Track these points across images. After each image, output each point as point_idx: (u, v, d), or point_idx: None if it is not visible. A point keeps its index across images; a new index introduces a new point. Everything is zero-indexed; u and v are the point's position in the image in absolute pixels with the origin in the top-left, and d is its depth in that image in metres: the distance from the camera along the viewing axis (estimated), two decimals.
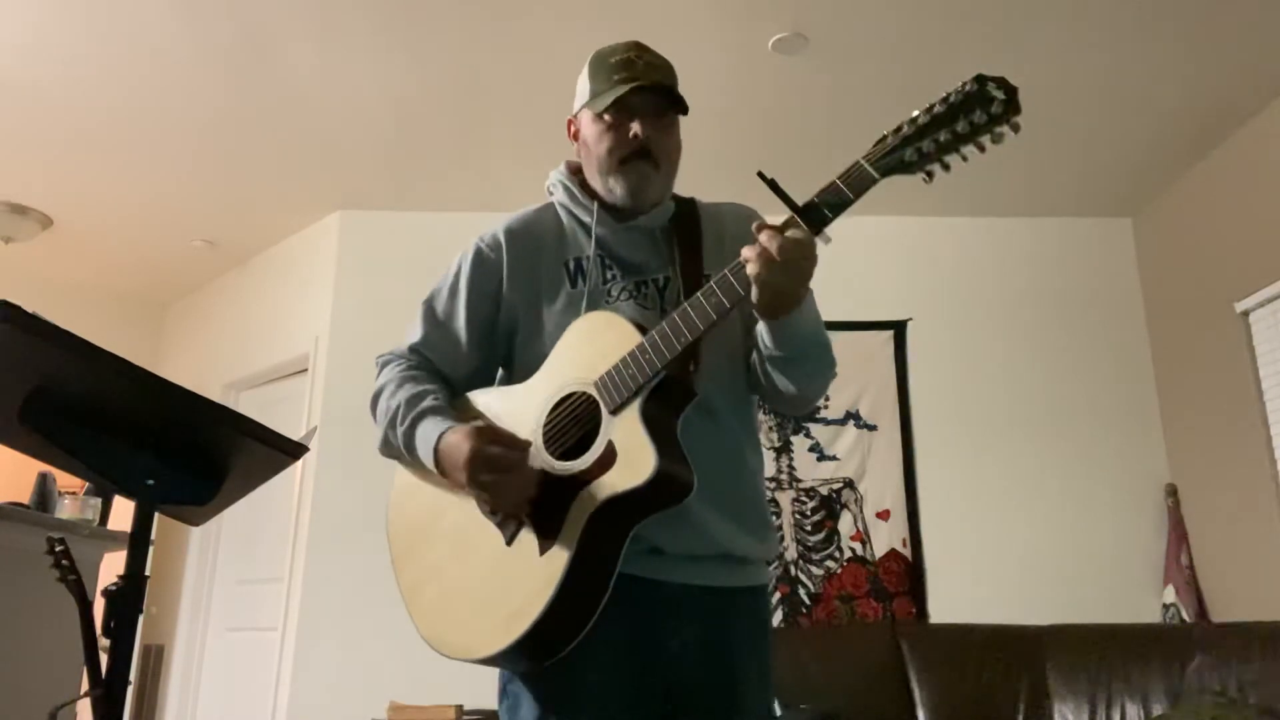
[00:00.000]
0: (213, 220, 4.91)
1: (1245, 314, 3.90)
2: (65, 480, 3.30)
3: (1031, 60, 3.53)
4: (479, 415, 1.46)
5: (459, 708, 3.59)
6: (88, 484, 3.28)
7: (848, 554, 4.27)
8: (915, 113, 1.24)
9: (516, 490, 1.33)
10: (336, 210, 4.78)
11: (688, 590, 1.38)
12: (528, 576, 1.30)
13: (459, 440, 1.35)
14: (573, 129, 1.59)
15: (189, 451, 1.41)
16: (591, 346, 1.38)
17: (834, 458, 4.36)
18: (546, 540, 1.31)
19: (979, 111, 1.18)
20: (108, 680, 1.31)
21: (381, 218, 4.74)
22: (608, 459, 1.30)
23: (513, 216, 1.60)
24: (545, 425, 1.38)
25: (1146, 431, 4.40)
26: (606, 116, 1.48)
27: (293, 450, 1.48)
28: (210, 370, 5.27)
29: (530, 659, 1.33)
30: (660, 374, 1.31)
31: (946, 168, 1.23)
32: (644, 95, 1.47)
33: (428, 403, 1.45)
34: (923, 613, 4.18)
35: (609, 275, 1.50)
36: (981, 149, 1.20)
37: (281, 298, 5.05)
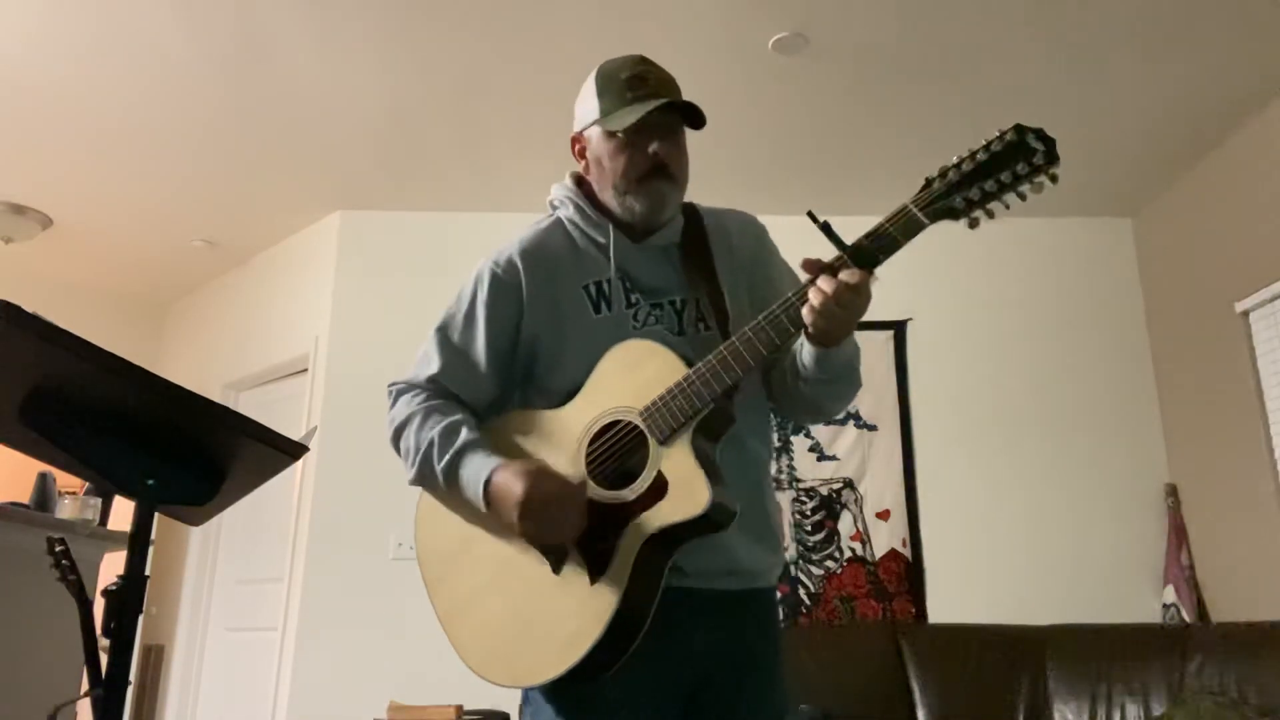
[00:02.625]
0: (213, 220, 4.91)
1: (1245, 314, 3.89)
2: (65, 480, 3.30)
3: (1031, 60, 3.53)
4: (515, 445, 1.46)
5: (459, 708, 3.59)
6: (88, 484, 3.28)
7: (848, 554, 4.27)
8: (956, 158, 1.27)
9: (570, 529, 1.34)
10: (336, 210, 4.78)
11: (701, 595, 1.41)
12: (580, 605, 1.32)
13: (510, 480, 1.34)
14: (578, 146, 1.57)
15: (189, 451, 1.41)
16: (634, 376, 1.39)
17: (834, 458, 4.36)
18: (597, 569, 1.33)
19: (1021, 163, 1.23)
20: (108, 680, 1.31)
21: (381, 218, 4.74)
22: (659, 489, 1.32)
23: (522, 237, 1.57)
24: (588, 453, 1.39)
25: (1146, 431, 4.40)
26: (620, 135, 1.47)
27: (293, 450, 1.47)
28: (210, 370, 5.27)
29: (575, 681, 1.35)
30: (710, 406, 1.33)
31: (991, 215, 1.28)
32: (660, 113, 1.46)
33: (465, 436, 1.43)
34: (923, 613, 4.18)
35: (632, 299, 1.49)
36: (1023, 198, 1.25)
37: (281, 298, 5.05)
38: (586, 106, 1.54)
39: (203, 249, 5.19)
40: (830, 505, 4.32)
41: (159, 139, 4.14)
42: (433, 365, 1.52)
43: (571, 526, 1.33)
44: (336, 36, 3.48)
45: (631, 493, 1.34)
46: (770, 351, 1.33)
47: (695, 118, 1.48)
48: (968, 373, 4.45)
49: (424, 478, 1.47)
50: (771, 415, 1.62)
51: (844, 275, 1.27)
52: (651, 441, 1.35)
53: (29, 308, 1.22)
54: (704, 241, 1.55)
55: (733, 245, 1.57)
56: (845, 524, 4.30)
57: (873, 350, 4.45)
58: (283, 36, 3.47)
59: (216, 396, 4.92)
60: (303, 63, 3.63)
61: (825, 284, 1.27)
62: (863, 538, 4.29)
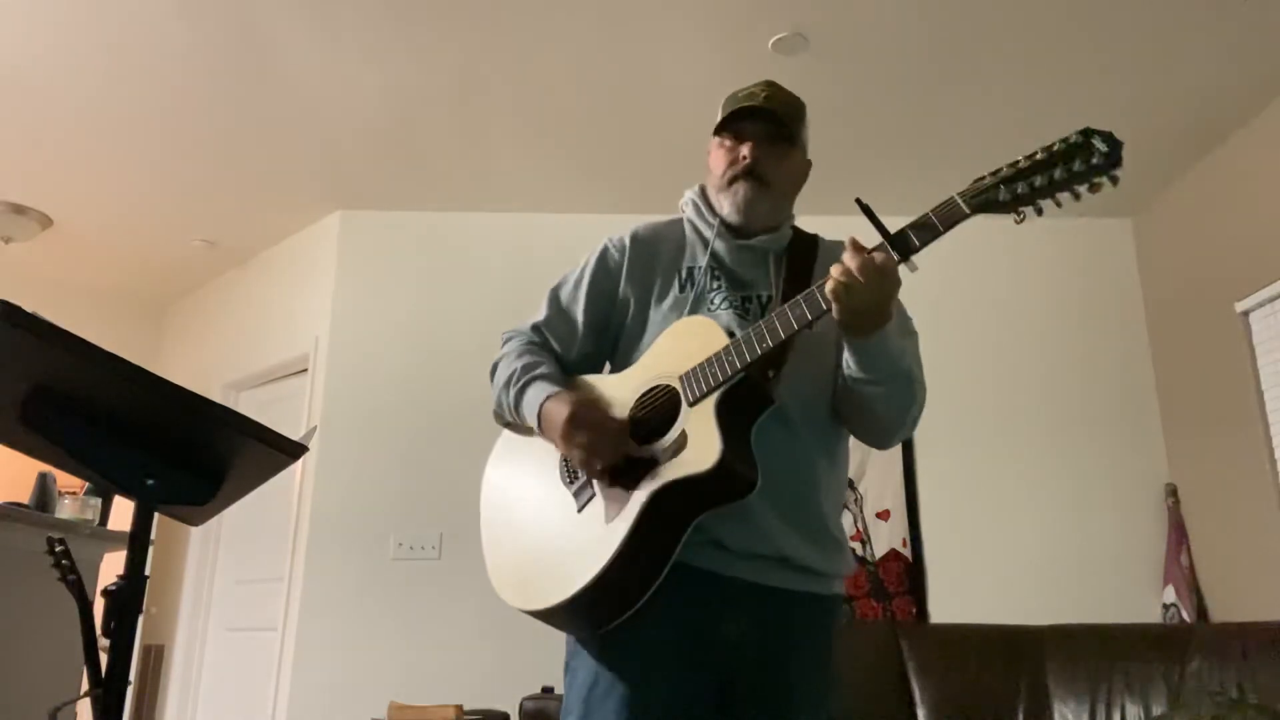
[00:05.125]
0: (213, 220, 4.91)
1: (1245, 314, 3.89)
2: (65, 480, 3.30)
3: (1031, 61, 3.53)
4: (579, 393, 1.57)
5: (459, 708, 3.59)
6: (88, 484, 3.28)
7: None
8: (1019, 158, 1.26)
9: (608, 451, 1.43)
10: (336, 210, 4.78)
11: (751, 588, 1.44)
12: (590, 542, 1.41)
13: (560, 405, 1.48)
14: (708, 158, 1.71)
15: (189, 451, 1.41)
16: (683, 345, 1.48)
17: None
18: (612, 512, 1.41)
19: (1079, 161, 1.22)
20: (108, 680, 1.31)
21: (381, 217, 4.74)
22: (679, 445, 1.40)
23: (644, 224, 1.74)
24: (632, 411, 1.50)
25: (1146, 431, 4.40)
26: (724, 140, 1.64)
27: (293, 450, 1.47)
28: (210, 370, 5.27)
29: (579, 621, 1.46)
30: (740, 374, 1.40)
31: (1040, 212, 1.27)
32: (755, 122, 1.61)
33: (540, 370, 1.58)
34: (923, 613, 4.18)
35: (714, 284, 1.60)
36: (1077, 196, 1.24)
37: (281, 298, 5.05)
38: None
39: (203, 249, 5.19)
40: None
41: (159, 139, 4.14)
42: (540, 315, 1.71)
43: (604, 453, 1.43)
44: (336, 37, 3.48)
45: (657, 447, 1.42)
46: (800, 324, 1.37)
47: (785, 129, 1.62)
48: (968, 373, 4.45)
49: (500, 404, 1.64)
50: (848, 437, 1.64)
51: (873, 253, 1.30)
52: (684, 402, 1.43)
53: (29, 308, 1.22)
54: (810, 256, 1.63)
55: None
56: (845, 524, 4.30)
57: None
58: (283, 37, 3.47)
59: (216, 396, 4.92)
60: (303, 63, 3.63)
61: (850, 258, 1.30)
62: (863, 538, 4.29)
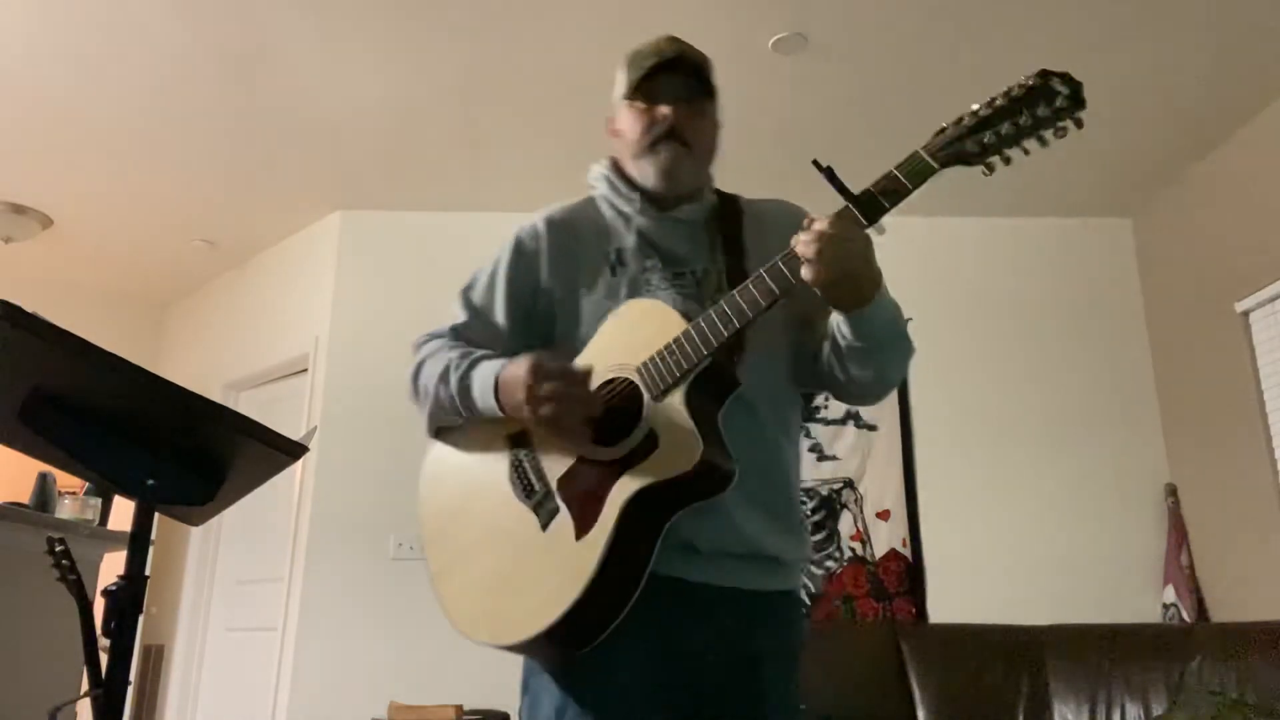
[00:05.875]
0: (213, 220, 4.91)
1: (1245, 314, 3.89)
2: (65, 480, 3.30)
3: (1031, 60, 3.52)
4: None
5: (459, 708, 3.59)
6: (88, 484, 3.29)
7: (848, 554, 4.27)
8: (975, 106, 1.23)
9: (580, 405, 1.30)
10: (336, 210, 4.78)
11: (720, 592, 1.35)
12: (563, 562, 1.28)
13: (516, 366, 1.34)
14: (611, 125, 1.62)
15: (189, 451, 1.41)
16: (634, 333, 1.37)
17: (834, 458, 4.36)
18: (583, 526, 1.28)
19: (1043, 106, 1.19)
20: (108, 680, 1.31)
21: (381, 218, 4.74)
22: (649, 446, 1.28)
23: (555, 207, 1.60)
24: None
25: (1146, 431, 4.40)
26: (638, 103, 1.52)
27: (293, 450, 1.47)
28: (210, 370, 5.27)
29: (560, 647, 1.31)
30: (706, 360, 1.29)
31: (1007, 161, 1.22)
32: (671, 79, 1.50)
33: (481, 353, 1.45)
34: (923, 613, 4.18)
35: (647, 264, 1.48)
36: (1044, 143, 1.20)
37: (281, 298, 5.05)
38: (616, 85, 1.58)
39: (203, 249, 5.19)
40: (830, 505, 4.32)
41: (159, 139, 4.14)
42: (456, 319, 1.56)
43: (580, 404, 1.30)
44: (337, 37, 3.48)
45: (622, 449, 1.29)
46: (769, 301, 1.28)
47: (702, 81, 1.51)
48: (968, 373, 4.45)
49: (436, 405, 1.47)
50: (801, 405, 1.57)
51: (833, 218, 1.23)
52: (646, 397, 1.31)
53: (29, 308, 1.22)
54: (737, 221, 1.54)
55: (766, 228, 1.52)
56: (845, 524, 4.30)
57: None
58: (283, 37, 3.47)
59: (216, 396, 4.92)
60: (303, 63, 3.63)
61: (817, 225, 1.23)
62: (863, 538, 4.28)
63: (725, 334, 1.28)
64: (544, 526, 1.33)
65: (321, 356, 4.59)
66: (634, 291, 1.45)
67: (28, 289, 4.52)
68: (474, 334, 1.53)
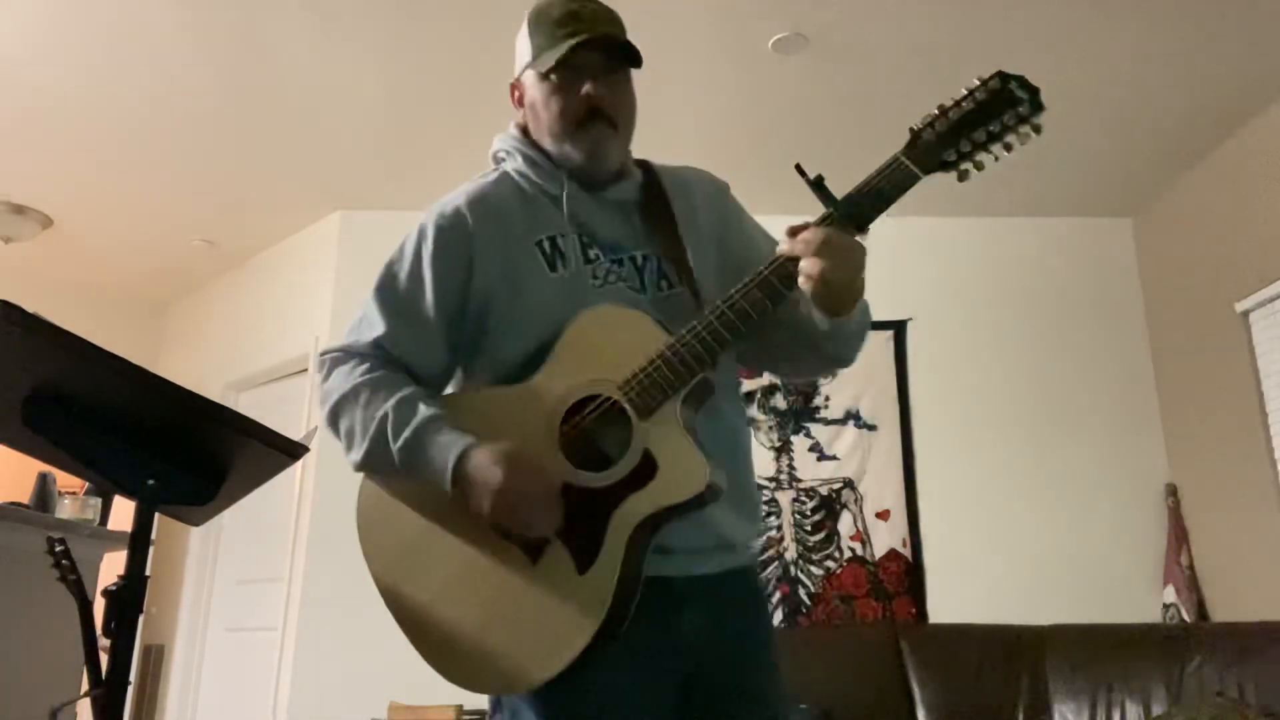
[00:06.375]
0: (213, 220, 4.91)
1: (1245, 314, 3.89)
2: (65, 480, 3.30)
3: (1031, 60, 3.53)
4: (477, 422, 1.29)
5: (459, 708, 3.59)
6: (88, 484, 3.28)
7: (848, 554, 4.27)
8: (939, 107, 1.27)
9: (547, 522, 1.22)
10: (336, 210, 4.78)
11: (690, 582, 1.31)
12: (569, 595, 1.21)
13: (487, 464, 1.21)
14: (516, 93, 1.48)
15: (189, 451, 1.41)
16: (608, 345, 1.27)
17: (834, 458, 4.36)
18: (584, 558, 1.21)
19: (1008, 113, 1.23)
20: (108, 680, 1.31)
21: (381, 217, 4.73)
22: (646, 469, 1.22)
23: (467, 188, 1.46)
24: (561, 432, 1.26)
25: (1146, 431, 4.40)
26: (554, 78, 1.36)
27: (293, 450, 1.48)
28: (210, 370, 5.27)
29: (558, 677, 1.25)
30: (698, 379, 1.24)
31: (980, 167, 1.26)
32: (593, 51, 1.35)
33: (425, 411, 1.28)
34: (923, 613, 4.18)
35: (590, 255, 1.36)
36: (1009, 149, 1.25)
37: (281, 298, 5.05)
38: (521, 49, 1.44)
39: (203, 249, 5.19)
40: (830, 505, 4.32)
41: (159, 139, 4.14)
42: (376, 329, 1.36)
43: (547, 519, 1.22)
44: (336, 37, 3.48)
45: (616, 474, 1.23)
46: (761, 314, 1.24)
47: (631, 54, 1.37)
48: (968, 373, 4.45)
49: (374, 461, 1.33)
50: (740, 383, 1.53)
51: (829, 231, 1.22)
52: (634, 417, 1.23)
53: (29, 308, 1.22)
54: (664, 198, 1.44)
55: (695, 203, 1.47)
56: (845, 524, 4.30)
57: (873, 350, 4.45)
58: (283, 37, 3.47)
59: (216, 396, 4.92)
60: (303, 63, 3.63)
61: (814, 234, 1.22)
62: (863, 538, 4.28)
63: (719, 350, 1.24)
64: (534, 560, 1.24)
65: None
66: (582, 289, 1.33)
67: (28, 289, 4.52)
68: (400, 345, 1.36)
